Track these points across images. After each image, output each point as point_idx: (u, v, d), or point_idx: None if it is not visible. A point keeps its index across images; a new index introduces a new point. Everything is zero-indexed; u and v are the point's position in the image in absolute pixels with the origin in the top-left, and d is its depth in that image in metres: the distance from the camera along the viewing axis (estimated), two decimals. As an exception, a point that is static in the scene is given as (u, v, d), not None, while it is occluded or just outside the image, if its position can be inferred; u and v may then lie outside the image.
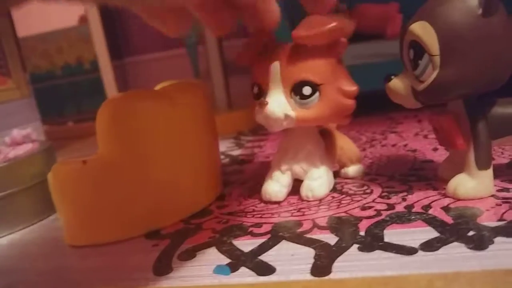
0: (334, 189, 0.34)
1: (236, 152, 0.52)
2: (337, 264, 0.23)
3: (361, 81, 0.57)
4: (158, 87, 0.38)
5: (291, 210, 0.31)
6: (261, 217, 0.31)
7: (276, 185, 0.33)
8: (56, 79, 0.87)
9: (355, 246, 0.24)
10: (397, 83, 0.29)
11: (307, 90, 0.29)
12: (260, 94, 0.31)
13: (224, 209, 0.33)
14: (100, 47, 0.83)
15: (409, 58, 0.28)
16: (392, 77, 0.29)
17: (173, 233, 0.30)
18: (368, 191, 0.32)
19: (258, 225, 0.29)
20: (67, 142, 0.76)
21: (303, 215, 0.30)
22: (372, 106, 0.62)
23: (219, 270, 0.24)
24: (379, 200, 0.30)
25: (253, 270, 0.23)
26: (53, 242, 0.33)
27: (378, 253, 0.23)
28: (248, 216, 0.31)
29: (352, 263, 0.22)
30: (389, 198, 0.30)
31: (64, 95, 0.87)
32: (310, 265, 0.23)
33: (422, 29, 0.26)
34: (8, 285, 0.27)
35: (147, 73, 0.91)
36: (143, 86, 0.89)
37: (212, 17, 0.30)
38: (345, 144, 0.36)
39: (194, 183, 0.33)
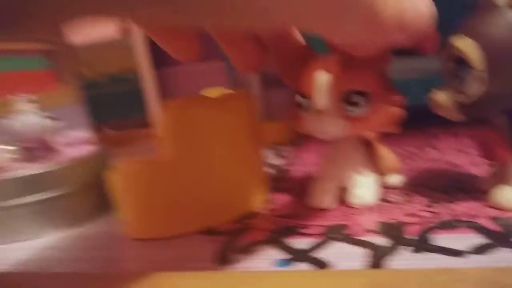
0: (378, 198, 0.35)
1: (276, 162, 0.54)
2: (390, 262, 0.24)
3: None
4: (205, 94, 0.40)
5: (338, 215, 0.33)
6: (310, 220, 0.32)
7: (323, 192, 0.34)
8: (99, 88, 0.91)
9: (405, 248, 0.26)
10: (440, 96, 0.30)
11: (356, 99, 0.31)
12: (305, 104, 0.32)
13: (272, 212, 0.35)
14: (141, 57, 0.87)
15: (452, 73, 0.29)
16: (436, 90, 0.31)
17: (228, 230, 0.32)
18: (411, 200, 0.34)
19: (308, 227, 0.31)
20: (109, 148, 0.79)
21: (351, 220, 0.31)
22: (409, 121, 0.64)
23: (279, 264, 0.26)
24: (423, 208, 0.32)
25: (311, 264, 0.25)
26: (115, 235, 0.35)
27: (427, 255, 0.25)
28: (297, 219, 0.33)
29: (404, 262, 0.24)
30: (433, 207, 0.32)
31: (106, 103, 0.91)
32: (364, 262, 0.25)
33: (465, 44, 0.28)
34: (76, 271, 0.29)
35: (184, 83, 0.94)
36: (182, 95, 0.92)
37: (234, 50, 0.31)
38: (385, 153, 0.38)
39: (244, 186, 0.36)
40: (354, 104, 0.31)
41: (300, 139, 0.66)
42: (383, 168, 0.37)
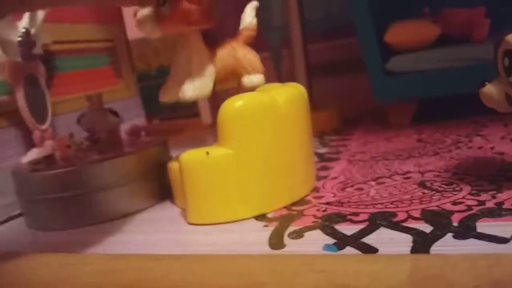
0: (424, 186, 0.36)
1: (322, 150, 0.56)
2: (434, 248, 0.26)
3: (446, 85, 0.58)
4: (261, 88, 0.43)
5: (385, 203, 0.34)
6: (356, 207, 0.34)
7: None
8: (151, 79, 0.96)
9: (450, 234, 0.27)
10: (491, 89, 0.31)
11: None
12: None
13: (320, 200, 0.37)
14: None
15: (504, 66, 0.30)
16: (486, 83, 0.32)
17: (279, 217, 0.35)
18: (457, 188, 0.35)
19: (355, 214, 0.33)
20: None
21: (397, 207, 0.33)
22: (456, 110, 0.64)
23: (327, 248, 0.28)
24: (469, 197, 0.33)
25: (358, 249, 0.27)
26: (175, 220, 0.39)
27: (472, 241, 0.26)
28: (344, 206, 0.35)
29: (449, 248, 0.26)
30: (478, 195, 0.33)
31: (156, 95, 0.95)
32: (409, 248, 0.26)
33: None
34: (141, 253, 0.33)
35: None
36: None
37: None
38: (245, 54, 0.41)
39: (294, 175, 0.38)
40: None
41: (345, 128, 0.67)
42: (244, 69, 0.40)
